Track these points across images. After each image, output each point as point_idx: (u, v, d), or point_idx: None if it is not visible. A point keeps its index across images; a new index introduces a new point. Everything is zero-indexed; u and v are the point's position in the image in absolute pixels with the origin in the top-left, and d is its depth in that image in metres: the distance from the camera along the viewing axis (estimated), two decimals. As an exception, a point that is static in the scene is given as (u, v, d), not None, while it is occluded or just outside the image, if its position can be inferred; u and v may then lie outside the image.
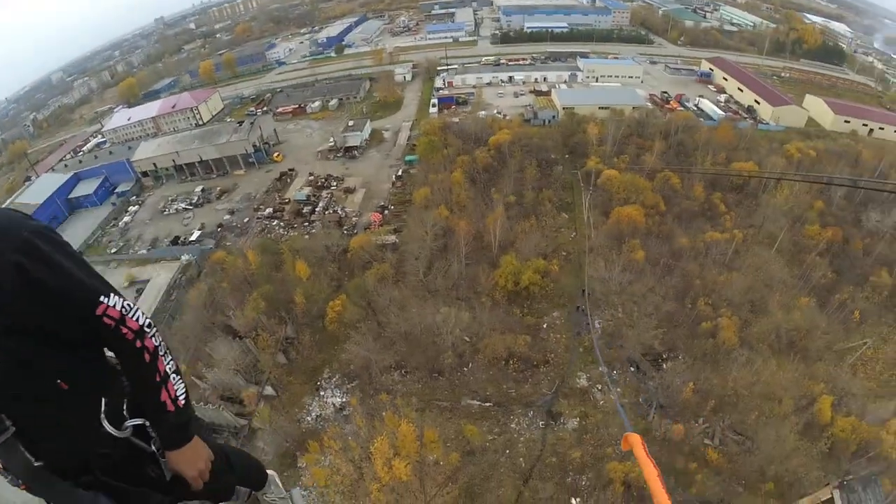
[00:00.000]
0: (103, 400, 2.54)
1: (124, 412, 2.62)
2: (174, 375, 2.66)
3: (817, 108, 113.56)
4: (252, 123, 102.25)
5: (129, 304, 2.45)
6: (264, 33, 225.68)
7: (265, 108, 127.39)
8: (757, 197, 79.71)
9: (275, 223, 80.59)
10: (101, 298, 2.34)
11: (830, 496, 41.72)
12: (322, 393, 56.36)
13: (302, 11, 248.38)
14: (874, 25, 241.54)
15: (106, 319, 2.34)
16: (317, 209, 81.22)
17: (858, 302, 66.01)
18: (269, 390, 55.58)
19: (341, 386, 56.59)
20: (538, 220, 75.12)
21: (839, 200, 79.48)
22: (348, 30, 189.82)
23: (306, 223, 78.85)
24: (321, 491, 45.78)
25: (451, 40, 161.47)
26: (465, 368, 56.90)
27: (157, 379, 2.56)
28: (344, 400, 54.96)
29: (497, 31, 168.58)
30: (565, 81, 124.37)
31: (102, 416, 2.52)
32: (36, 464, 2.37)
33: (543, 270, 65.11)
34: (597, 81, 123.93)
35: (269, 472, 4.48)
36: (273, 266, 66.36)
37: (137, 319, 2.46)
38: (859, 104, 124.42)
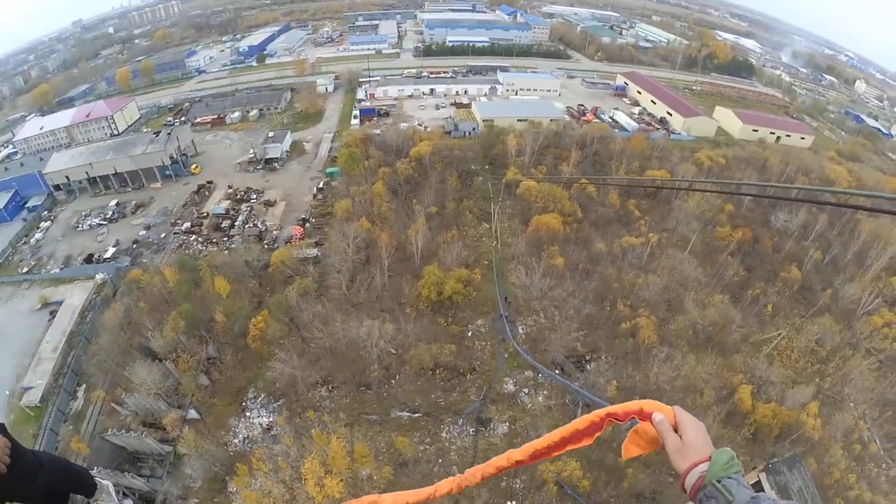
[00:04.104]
0: None
1: None
2: None
3: (727, 118, 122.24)
4: (169, 134, 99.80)
5: None
6: (185, 40, 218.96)
7: (183, 119, 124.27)
8: (670, 202, 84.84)
9: (193, 238, 78.68)
10: None
11: (758, 479, 45.50)
12: (248, 414, 55.68)
13: (224, 19, 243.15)
14: (782, 41, 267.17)
15: None
16: (236, 223, 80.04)
17: (770, 296, 72.45)
18: (192, 414, 54.48)
19: (267, 405, 56.11)
20: (459, 230, 77.09)
21: (749, 203, 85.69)
22: (271, 39, 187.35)
23: (225, 238, 77.61)
24: (255, 515, 44.98)
25: (374, 52, 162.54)
26: (393, 381, 57.76)
27: None
28: (271, 420, 54.61)
29: (420, 45, 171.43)
30: (485, 94, 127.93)
31: None
32: None
33: (466, 280, 66.73)
34: (516, 95, 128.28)
35: (103, 482, 4.81)
36: (192, 283, 64.98)
37: None
38: (767, 114, 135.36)
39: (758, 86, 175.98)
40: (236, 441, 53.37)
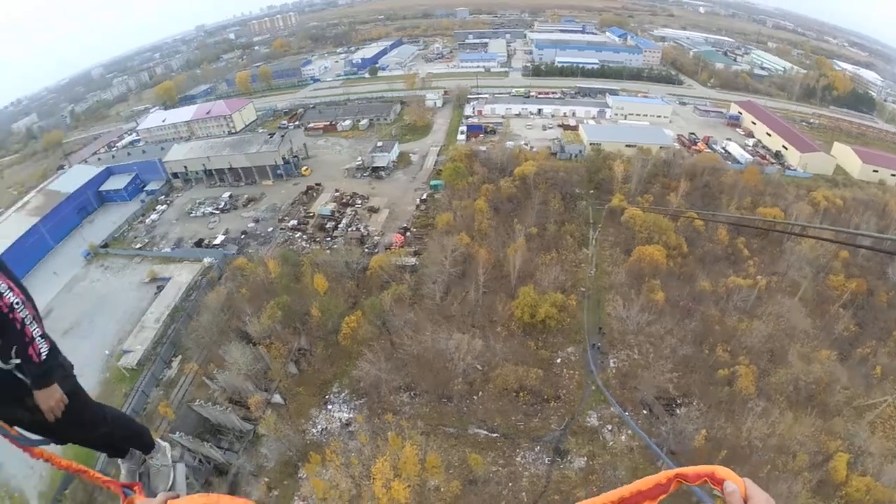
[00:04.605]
0: None
1: (12, 354, 3.58)
2: (39, 339, 3.58)
3: (845, 156, 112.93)
4: (283, 136, 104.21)
5: (3, 287, 3.44)
6: (301, 50, 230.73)
7: (297, 123, 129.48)
8: (781, 244, 78.64)
9: (298, 235, 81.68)
10: None
11: None
12: (329, 407, 56.28)
13: (339, 31, 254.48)
14: None
15: None
16: (340, 225, 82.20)
17: (881, 357, 64.84)
18: (277, 398, 55.87)
19: (349, 402, 56.47)
20: (559, 253, 74.92)
21: (865, 251, 78.02)
22: (383, 52, 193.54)
23: (328, 238, 79.84)
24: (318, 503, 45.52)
25: (483, 70, 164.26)
26: (475, 396, 56.40)
27: (25, 340, 3.52)
28: (350, 416, 54.85)
29: (529, 64, 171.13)
30: (594, 117, 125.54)
31: None
32: None
33: (561, 305, 64.59)
34: (625, 119, 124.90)
35: (162, 442, 5.18)
36: (293, 277, 67.19)
37: (9, 299, 3.45)
38: (889, 153, 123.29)
39: (878, 122, 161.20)
40: (314, 431, 54.10)
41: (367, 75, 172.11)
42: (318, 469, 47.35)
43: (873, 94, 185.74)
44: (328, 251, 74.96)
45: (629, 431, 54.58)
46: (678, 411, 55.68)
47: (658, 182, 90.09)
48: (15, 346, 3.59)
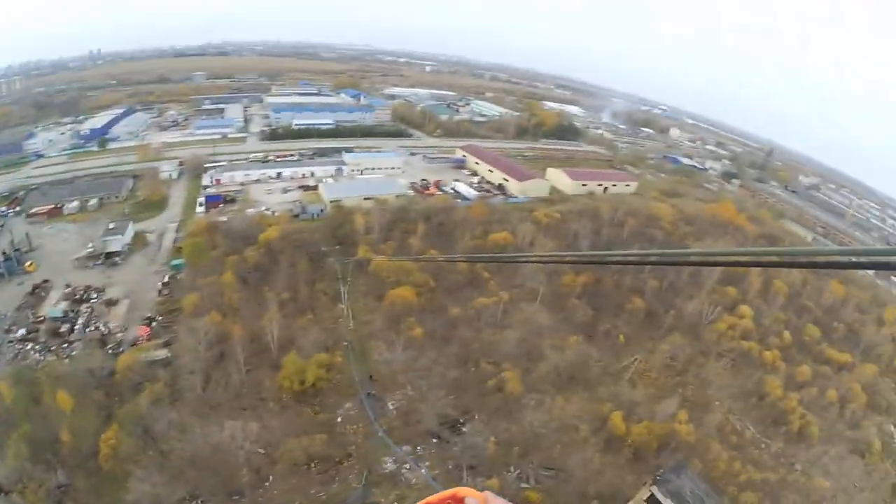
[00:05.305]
0: None
1: None
2: None
3: (558, 178, 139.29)
4: (2, 227, 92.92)
5: None
6: (24, 120, 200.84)
7: (17, 209, 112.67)
8: (516, 261, 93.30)
9: (29, 347, 71.76)
10: None
11: (650, 493, 47.30)
12: (110, 545, 50.28)
13: (67, 98, 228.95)
14: (602, 104, 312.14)
15: None
16: (76, 327, 74.72)
17: (620, 328, 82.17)
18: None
19: (132, 534, 50.71)
20: (315, 314, 78.98)
21: (586, 248, 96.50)
22: (114, 122, 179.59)
23: (65, 344, 71.96)
24: None
25: (220, 136, 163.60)
26: (266, 483, 55.40)
27: None
28: (134, 550, 49.32)
29: (266, 128, 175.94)
30: (332, 176, 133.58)
31: None
32: None
33: (328, 364, 68.29)
34: (361, 174, 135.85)
35: None
36: (31, 399, 59.51)
37: None
38: (593, 169, 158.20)
39: (583, 146, 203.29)
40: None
41: (96, 148, 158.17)
42: None
43: (577, 124, 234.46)
44: (66, 360, 67.96)
45: (427, 462, 59.57)
46: (465, 429, 63.09)
47: (398, 228, 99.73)
48: None
